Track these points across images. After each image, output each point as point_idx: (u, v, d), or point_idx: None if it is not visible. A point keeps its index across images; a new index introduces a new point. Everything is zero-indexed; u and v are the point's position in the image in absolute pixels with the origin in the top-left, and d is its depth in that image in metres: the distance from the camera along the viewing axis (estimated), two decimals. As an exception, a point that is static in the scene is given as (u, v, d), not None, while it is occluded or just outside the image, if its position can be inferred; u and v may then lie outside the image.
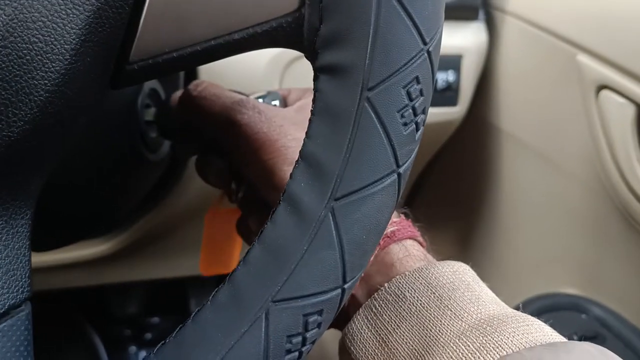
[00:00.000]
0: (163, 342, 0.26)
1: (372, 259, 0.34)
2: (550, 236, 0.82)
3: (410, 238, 0.36)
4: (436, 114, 0.78)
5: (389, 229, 0.36)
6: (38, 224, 0.27)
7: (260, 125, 0.37)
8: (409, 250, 0.35)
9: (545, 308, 0.72)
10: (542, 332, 0.29)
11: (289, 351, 0.25)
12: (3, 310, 0.24)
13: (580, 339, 0.69)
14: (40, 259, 0.66)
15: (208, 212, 0.49)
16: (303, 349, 0.25)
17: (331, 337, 0.38)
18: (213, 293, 0.26)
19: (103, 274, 0.77)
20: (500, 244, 0.89)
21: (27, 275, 0.26)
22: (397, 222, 0.37)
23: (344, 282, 0.25)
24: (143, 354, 0.93)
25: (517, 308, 0.33)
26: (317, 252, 0.25)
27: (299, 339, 0.25)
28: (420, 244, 0.37)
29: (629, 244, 0.71)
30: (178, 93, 0.44)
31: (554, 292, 0.77)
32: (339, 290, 0.25)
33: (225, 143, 0.39)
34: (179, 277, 0.84)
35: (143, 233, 0.69)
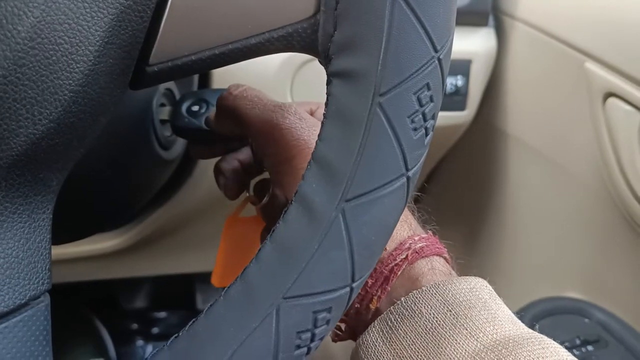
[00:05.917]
0: (176, 335, 0.26)
1: (399, 272, 0.34)
2: (554, 240, 0.82)
3: (437, 255, 0.36)
4: (444, 117, 0.78)
5: (418, 244, 0.35)
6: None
7: (301, 132, 0.36)
8: (434, 265, 0.35)
9: (548, 312, 0.72)
10: (557, 356, 0.29)
11: (298, 346, 0.25)
12: (24, 301, 0.25)
13: (582, 343, 0.69)
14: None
15: (226, 222, 0.47)
16: (311, 345, 0.26)
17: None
18: (225, 289, 0.26)
19: (112, 269, 0.78)
20: (504, 247, 0.90)
21: (47, 268, 0.26)
22: (426, 238, 0.36)
23: (353, 281, 0.26)
24: (150, 347, 0.94)
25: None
26: (327, 252, 0.25)
27: (308, 335, 0.26)
28: (447, 260, 0.36)
29: (633, 249, 0.72)
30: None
31: (557, 295, 0.77)
32: (348, 289, 0.26)
33: (261, 146, 0.38)
34: (186, 272, 0.85)
35: (152, 229, 0.70)
